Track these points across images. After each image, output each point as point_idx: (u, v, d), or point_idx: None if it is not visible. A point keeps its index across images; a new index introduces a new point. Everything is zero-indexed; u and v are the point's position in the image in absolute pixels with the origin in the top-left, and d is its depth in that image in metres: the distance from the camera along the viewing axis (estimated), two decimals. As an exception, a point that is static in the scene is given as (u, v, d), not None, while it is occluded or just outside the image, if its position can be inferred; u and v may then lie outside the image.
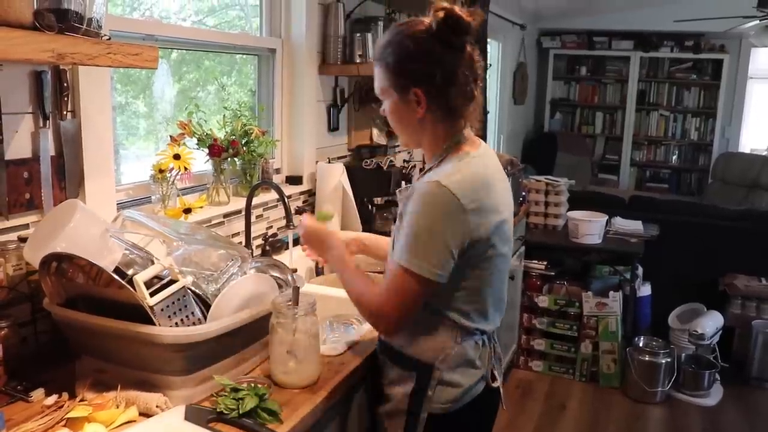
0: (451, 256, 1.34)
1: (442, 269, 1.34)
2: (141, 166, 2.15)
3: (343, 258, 1.57)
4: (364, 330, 1.79)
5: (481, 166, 1.41)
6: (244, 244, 2.25)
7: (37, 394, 1.37)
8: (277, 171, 2.70)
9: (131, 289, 1.28)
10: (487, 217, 1.37)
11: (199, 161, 2.16)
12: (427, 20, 1.38)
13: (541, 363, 4.03)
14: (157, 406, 1.30)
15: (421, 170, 1.84)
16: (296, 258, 2.26)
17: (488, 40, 5.06)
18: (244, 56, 2.65)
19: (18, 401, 1.35)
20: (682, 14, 5.90)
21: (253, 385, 1.38)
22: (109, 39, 1.37)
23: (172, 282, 1.36)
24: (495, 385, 1.54)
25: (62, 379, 1.42)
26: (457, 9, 1.34)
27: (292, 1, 2.64)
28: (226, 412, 1.29)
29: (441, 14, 1.34)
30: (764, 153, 7.57)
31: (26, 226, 1.55)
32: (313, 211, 2.68)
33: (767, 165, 6.13)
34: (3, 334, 1.43)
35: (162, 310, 1.31)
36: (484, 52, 4.47)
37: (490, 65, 5.20)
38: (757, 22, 5.28)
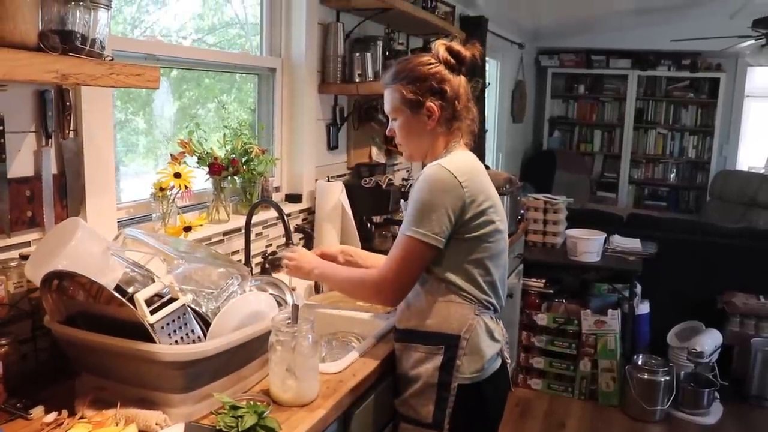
0: (449, 222, 1.56)
1: (442, 235, 1.56)
2: (140, 183, 2.17)
3: (325, 266, 1.81)
4: (364, 347, 1.79)
5: (470, 159, 1.67)
6: (243, 262, 2.26)
7: (37, 411, 1.37)
8: (277, 189, 2.72)
9: (132, 306, 1.29)
10: (480, 193, 1.60)
11: (199, 179, 2.18)
12: (428, 55, 1.68)
13: (540, 381, 4.03)
14: (156, 424, 1.31)
15: None
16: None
17: (487, 59, 5.11)
18: (244, 75, 2.68)
19: (17, 419, 1.35)
20: (678, 34, 5.95)
21: (252, 402, 1.38)
22: (112, 60, 1.39)
23: (172, 300, 1.37)
24: (508, 361, 1.75)
25: (62, 397, 1.42)
26: (455, 45, 1.67)
27: (293, 20, 2.68)
28: (225, 429, 1.29)
29: (443, 48, 1.65)
30: (762, 171, 7.61)
31: (28, 244, 1.56)
32: (312, 230, 2.69)
33: (765, 183, 6.14)
34: (3, 352, 1.43)
35: (162, 327, 1.32)
36: (482, 71, 4.51)
37: (489, 84, 5.24)
38: (753, 41, 5.33)
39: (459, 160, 1.62)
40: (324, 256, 1.92)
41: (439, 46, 1.66)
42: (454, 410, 1.60)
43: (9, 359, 1.44)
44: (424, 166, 1.69)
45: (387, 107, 1.72)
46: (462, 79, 1.69)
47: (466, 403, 1.61)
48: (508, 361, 1.76)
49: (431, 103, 1.64)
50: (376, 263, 1.90)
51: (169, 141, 2.34)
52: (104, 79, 1.31)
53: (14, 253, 1.52)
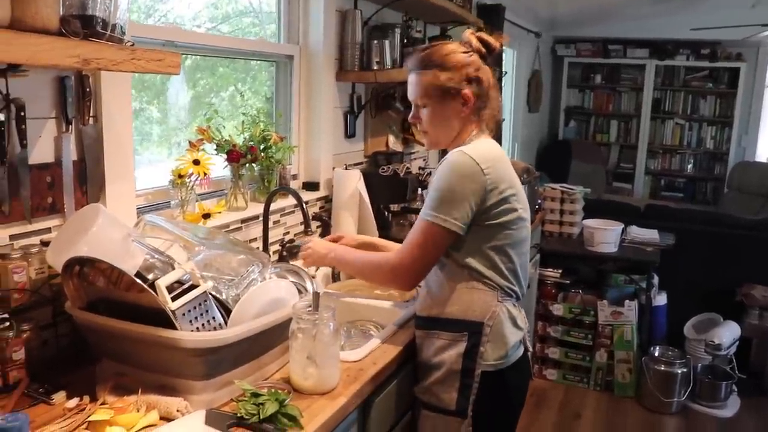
0: (470, 209, 1.55)
1: (462, 222, 1.55)
2: (154, 171, 2.17)
3: (340, 249, 1.80)
4: (384, 335, 1.78)
5: (494, 147, 1.66)
6: (261, 249, 2.26)
7: (59, 397, 1.37)
8: (294, 177, 2.71)
9: (153, 293, 1.29)
10: (502, 181, 1.59)
11: (217, 167, 2.17)
12: (456, 42, 1.69)
13: (556, 372, 4.01)
14: (177, 411, 1.30)
15: None
16: (313, 264, 2.26)
17: (503, 48, 5.06)
18: (259, 63, 2.67)
19: (40, 404, 1.36)
20: (698, 22, 5.87)
21: (273, 390, 1.38)
22: (133, 45, 1.38)
23: (193, 287, 1.36)
24: (529, 351, 1.74)
25: (83, 383, 1.43)
26: (484, 35, 1.69)
27: (311, 8, 2.66)
28: (246, 417, 1.29)
29: (475, 37, 1.67)
30: (781, 162, 7.51)
31: (48, 230, 1.56)
32: (329, 218, 2.68)
33: (784, 174, 6.08)
34: (26, 337, 1.44)
35: (183, 314, 1.31)
36: (500, 60, 4.47)
37: (506, 73, 5.19)
38: (775, 30, 5.25)
39: (483, 148, 1.61)
40: (341, 242, 1.93)
41: (471, 36, 1.67)
42: (478, 397, 1.59)
43: (31, 345, 1.45)
44: (443, 153, 1.68)
45: (415, 93, 1.69)
46: (488, 68, 1.70)
47: (489, 390, 1.60)
48: (530, 349, 1.76)
49: (468, 91, 1.63)
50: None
51: (186, 128, 2.33)
52: (125, 64, 1.30)
53: (35, 240, 1.52)
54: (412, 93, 1.71)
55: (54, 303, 1.54)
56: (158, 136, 2.35)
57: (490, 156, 1.60)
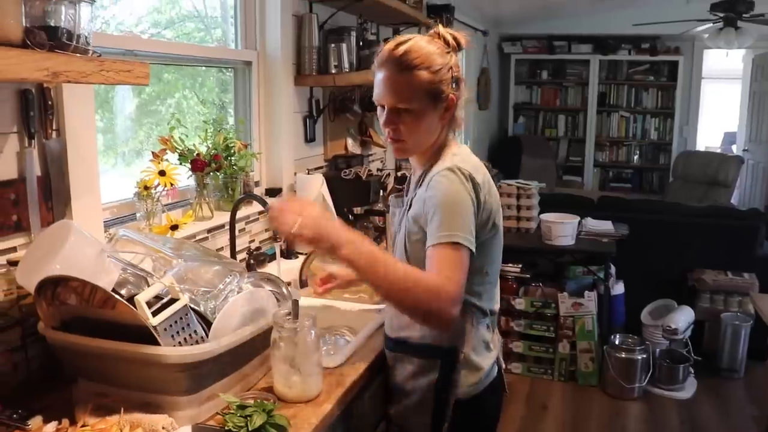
0: (475, 228, 1.41)
1: (474, 240, 1.40)
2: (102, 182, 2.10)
3: (368, 247, 1.35)
4: (360, 340, 1.78)
5: (474, 158, 1.55)
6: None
7: (35, 421, 1.32)
8: (257, 183, 2.68)
9: (133, 308, 1.26)
10: (490, 195, 1.48)
11: (181, 176, 2.13)
12: (428, 37, 1.52)
13: (520, 365, 4.07)
14: (162, 428, 1.28)
15: (400, 181, 1.86)
16: (283, 271, 2.24)
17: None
18: (206, 69, 2.62)
19: (15, 430, 1.31)
20: (637, 18, 6.06)
21: (259, 401, 1.37)
22: (100, 56, 1.34)
23: (173, 300, 1.34)
24: (502, 369, 1.65)
25: (58, 406, 1.38)
26: (451, 30, 1.53)
27: (267, 12, 2.63)
28: (234, 429, 1.27)
29: (449, 33, 1.51)
30: (718, 150, 7.82)
31: (14, 249, 1.51)
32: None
33: (724, 162, 6.31)
34: (-5, 362, 1.39)
35: (165, 329, 1.29)
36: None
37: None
38: (711, 25, 5.46)
39: (467, 159, 1.50)
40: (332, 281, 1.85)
41: (445, 32, 1.51)
42: (452, 423, 1.53)
43: (1, 369, 1.40)
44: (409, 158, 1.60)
45: (397, 96, 1.47)
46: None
47: (464, 415, 1.54)
48: (503, 366, 1.67)
49: (453, 94, 1.50)
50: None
51: (133, 137, 2.26)
52: (95, 76, 1.27)
53: (1, 260, 1.47)
54: (391, 96, 1.48)
55: (23, 324, 1.48)
56: (103, 146, 2.29)
57: (480, 168, 1.50)
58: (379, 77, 1.50)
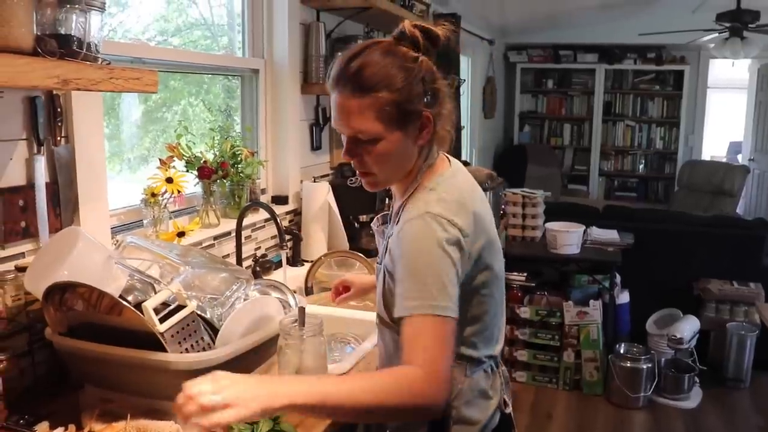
0: (458, 286, 1.17)
1: (456, 304, 1.16)
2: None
3: (300, 385, 1.06)
4: (367, 347, 1.78)
5: (460, 185, 1.29)
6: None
7: (42, 427, 1.33)
8: (263, 191, 2.69)
9: (141, 315, 1.26)
10: (479, 236, 1.24)
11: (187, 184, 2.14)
12: (387, 43, 1.24)
13: (525, 374, 4.06)
14: (169, 434, 1.28)
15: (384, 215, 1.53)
16: (289, 278, 2.25)
17: (460, 55, 5.13)
18: (212, 76, 2.64)
19: (22, 436, 1.32)
20: (643, 28, 6.07)
21: (264, 408, 1.36)
22: (109, 63, 1.36)
23: (180, 307, 1.34)
24: (507, 411, 1.38)
25: (65, 411, 1.39)
26: (423, 22, 1.26)
27: (275, 21, 2.65)
28: (240, 436, 1.27)
29: (418, 30, 1.23)
30: (724, 160, 7.82)
31: (22, 255, 1.52)
32: (299, 231, 2.67)
33: (729, 171, 6.31)
34: (2, 368, 1.39)
35: (172, 336, 1.29)
36: (457, 68, 4.52)
37: (464, 81, 5.26)
38: (716, 35, 5.46)
39: (448, 194, 1.23)
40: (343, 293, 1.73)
41: (413, 30, 1.22)
42: None
43: (8, 375, 1.40)
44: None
45: (352, 125, 1.21)
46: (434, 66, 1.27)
47: None
48: (509, 408, 1.40)
49: (427, 113, 1.23)
50: (366, 278, 1.75)
51: (139, 144, 2.27)
52: (104, 84, 1.28)
53: (9, 265, 1.48)
54: (347, 123, 1.22)
55: (30, 330, 1.49)
56: (109, 152, 2.30)
57: (467, 197, 1.26)
58: (332, 100, 1.24)
